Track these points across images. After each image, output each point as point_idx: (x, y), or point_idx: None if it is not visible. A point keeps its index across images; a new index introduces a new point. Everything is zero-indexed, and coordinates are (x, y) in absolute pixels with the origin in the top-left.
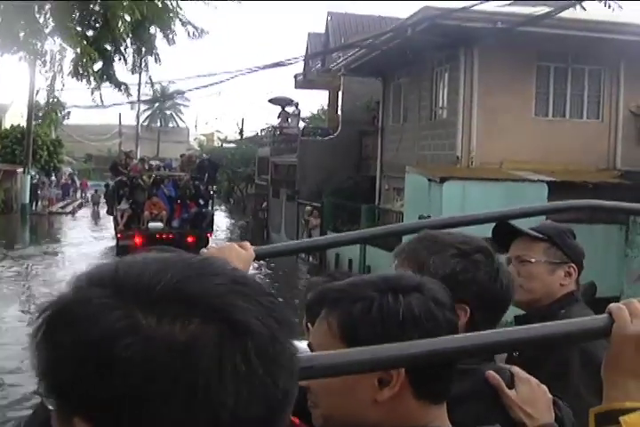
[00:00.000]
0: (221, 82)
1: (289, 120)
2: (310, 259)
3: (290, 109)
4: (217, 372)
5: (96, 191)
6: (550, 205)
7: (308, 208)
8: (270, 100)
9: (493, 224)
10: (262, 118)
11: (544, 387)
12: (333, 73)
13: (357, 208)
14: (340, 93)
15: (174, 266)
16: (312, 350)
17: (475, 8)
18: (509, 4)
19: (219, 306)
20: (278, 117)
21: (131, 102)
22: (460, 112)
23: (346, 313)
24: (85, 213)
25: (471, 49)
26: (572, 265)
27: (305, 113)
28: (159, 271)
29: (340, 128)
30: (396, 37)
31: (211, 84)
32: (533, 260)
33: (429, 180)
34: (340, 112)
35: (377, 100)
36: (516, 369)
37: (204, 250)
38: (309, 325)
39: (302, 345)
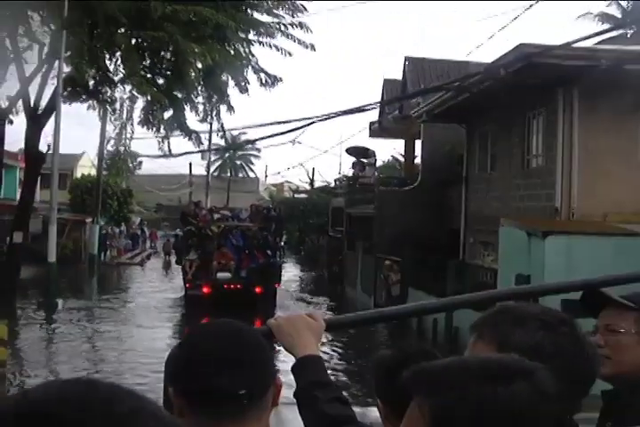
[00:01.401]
0: (296, 129)
1: (365, 169)
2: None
3: (365, 159)
4: None
5: (168, 240)
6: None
7: (388, 262)
8: (347, 150)
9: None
10: (333, 168)
11: None
12: (411, 120)
13: (442, 263)
14: (418, 141)
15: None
16: None
17: (575, 45)
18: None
19: None
20: (353, 167)
21: (201, 151)
22: (558, 159)
23: (439, 403)
24: (155, 263)
25: (570, 90)
26: None
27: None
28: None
29: (420, 178)
30: (486, 79)
31: (285, 132)
32: (623, 330)
33: (529, 233)
34: (419, 161)
35: (460, 149)
36: None
37: (271, 320)
38: (379, 401)
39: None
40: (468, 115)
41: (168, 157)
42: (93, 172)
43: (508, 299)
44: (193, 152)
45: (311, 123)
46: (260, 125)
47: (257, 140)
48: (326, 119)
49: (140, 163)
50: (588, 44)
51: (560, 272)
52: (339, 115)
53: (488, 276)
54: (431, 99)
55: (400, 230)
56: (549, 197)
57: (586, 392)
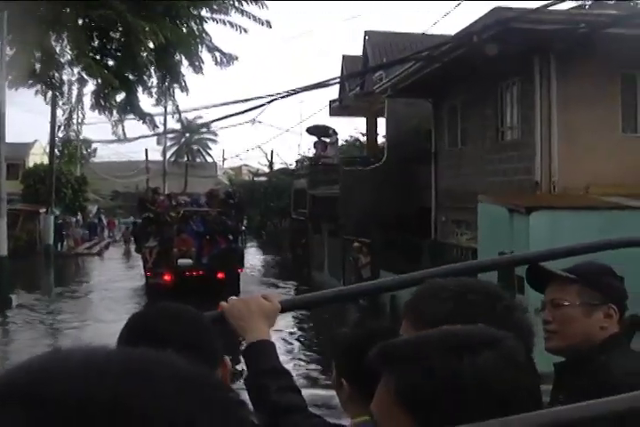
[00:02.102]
0: (256, 108)
1: (327, 149)
2: (361, 300)
3: (326, 139)
4: None
5: (127, 229)
6: (606, 240)
7: (356, 244)
8: (308, 130)
9: None
10: (293, 150)
11: None
12: (374, 97)
13: (414, 244)
14: (380, 119)
15: (107, 372)
16: (372, 417)
17: (552, 8)
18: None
19: (177, 421)
20: (314, 147)
21: (157, 134)
22: (537, 131)
23: (403, 378)
24: (114, 252)
25: (547, 57)
26: (612, 306)
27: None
28: (90, 381)
29: (385, 156)
30: (458, 47)
31: (245, 111)
32: (567, 303)
33: (510, 210)
34: (382, 139)
35: (427, 124)
36: None
37: (223, 303)
38: (343, 380)
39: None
40: (435, 88)
41: (122, 142)
42: (47, 160)
43: (466, 273)
44: (148, 136)
45: (272, 100)
46: (218, 105)
47: (215, 120)
48: (287, 96)
49: (95, 150)
50: (565, 7)
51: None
52: (300, 91)
53: (465, 255)
54: (395, 73)
55: (367, 211)
56: (528, 171)
57: None
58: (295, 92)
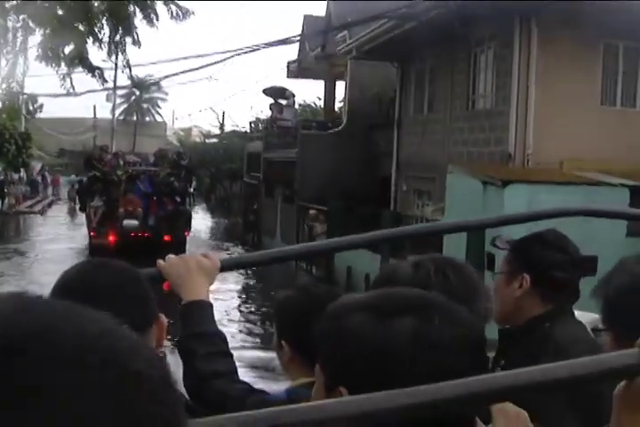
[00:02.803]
0: (214, 64)
1: (283, 112)
2: (314, 271)
3: (283, 101)
4: None
5: (72, 186)
6: (540, 211)
7: (312, 212)
8: (264, 91)
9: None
10: (245, 113)
11: (524, 415)
12: (336, 58)
13: (375, 214)
14: (339, 83)
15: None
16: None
17: None
18: None
19: (106, 355)
20: (270, 109)
21: (106, 89)
22: (513, 100)
23: (321, 335)
24: (58, 211)
25: (529, 22)
26: (525, 275)
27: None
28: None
29: (345, 121)
30: (435, 7)
31: (203, 66)
32: (498, 271)
33: (484, 182)
34: (345, 103)
35: (390, 91)
36: (504, 403)
37: (160, 261)
38: (284, 343)
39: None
40: (402, 51)
41: (70, 96)
42: None
43: (412, 237)
44: (96, 90)
45: (231, 56)
46: (172, 60)
47: (169, 76)
48: (247, 53)
49: (41, 105)
50: None
51: (520, 224)
52: (260, 48)
53: None
54: (360, 34)
55: (324, 178)
56: (499, 142)
57: None
58: (255, 48)
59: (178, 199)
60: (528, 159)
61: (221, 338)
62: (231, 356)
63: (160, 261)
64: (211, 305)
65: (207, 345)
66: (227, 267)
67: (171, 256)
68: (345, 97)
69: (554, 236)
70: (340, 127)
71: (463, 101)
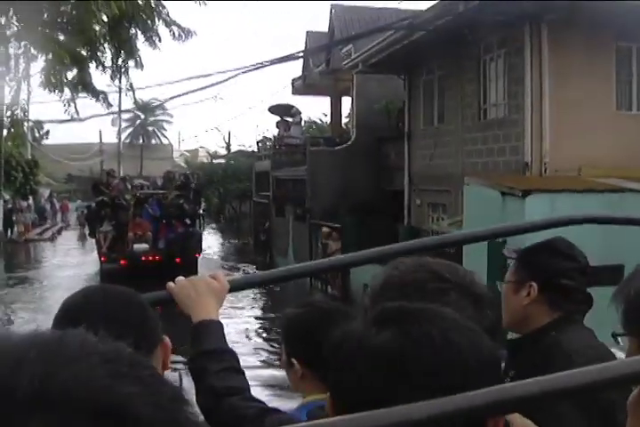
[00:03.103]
0: (218, 83)
1: (290, 129)
2: (329, 289)
3: (289, 118)
4: None
5: (82, 213)
6: (548, 219)
7: (326, 230)
8: (270, 109)
9: None
10: (251, 132)
11: None
12: (341, 73)
13: (390, 229)
14: (350, 96)
15: (27, 357)
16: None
17: None
18: None
19: (103, 401)
20: (277, 127)
21: (111, 113)
22: (527, 108)
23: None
24: (67, 237)
25: (539, 27)
26: (532, 284)
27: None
28: (11, 370)
29: (354, 136)
30: (442, 16)
31: (207, 87)
32: (505, 280)
33: (503, 193)
34: (353, 117)
35: (398, 103)
36: (511, 416)
37: (170, 283)
38: (294, 360)
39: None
40: (409, 63)
41: (75, 122)
42: None
43: (425, 250)
44: (101, 115)
45: (236, 75)
46: (178, 81)
47: (175, 97)
48: (252, 70)
49: (47, 132)
50: None
51: (542, 235)
52: (266, 65)
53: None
54: (366, 48)
55: (335, 194)
56: (514, 151)
57: None
58: (259, 66)
59: (187, 221)
60: (545, 167)
61: (233, 356)
62: (243, 373)
63: (170, 284)
64: (221, 324)
65: (219, 362)
66: (235, 287)
67: (180, 278)
68: (352, 112)
69: (562, 244)
70: (349, 142)
71: (475, 111)
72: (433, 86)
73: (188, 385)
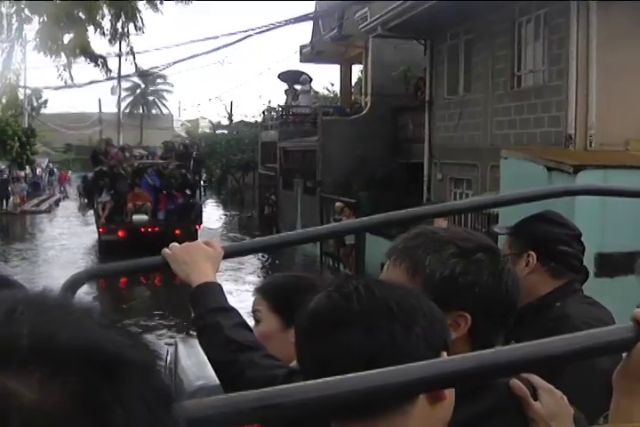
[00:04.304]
0: (227, 45)
1: (299, 98)
2: (342, 267)
3: (298, 86)
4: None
5: (81, 183)
6: (544, 189)
7: (339, 204)
8: (280, 76)
9: None
10: (253, 102)
11: (566, 399)
12: (353, 39)
13: (409, 205)
14: (361, 64)
15: (17, 308)
16: None
17: None
18: None
19: (98, 347)
20: (286, 95)
21: (110, 79)
22: (572, 74)
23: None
24: (66, 209)
25: None
26: (531, 253)
27: None
28: (4, 320)
29: (368, 105)
30: None
31: (215, 50)
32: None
33: (549, 168)
34: (368, 85)
35: (417, 70)
36: (535, 379)
37: (165, 250)
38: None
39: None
40: (432, 27)
41: (72, 88)
42: None
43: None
44: (100, 81)
45: (244, 37)
46: (180, 44)
47: (179, 61)
48: (261, 32)
49: (46, 101)
50: None
51: (593, 216)
52: (275, 26)
53: (477, 219)
54: (385, 9)
55: (348, 167)
56: (555, 122)
57: (505, 325)
58: (267, 28)
59: (188, 192)
60: (591, 140)
61: (239, 313)
62: (252, 329)
63: (165, 250)
64: (221, 286)
65: (231, 318)
66: (230, 253)
67: (174, 244)
68: (365, 79)
69: (553, 214)
70: (363, 112)
71: (507, 79)
72: (458, 52)
73: (184, 353)
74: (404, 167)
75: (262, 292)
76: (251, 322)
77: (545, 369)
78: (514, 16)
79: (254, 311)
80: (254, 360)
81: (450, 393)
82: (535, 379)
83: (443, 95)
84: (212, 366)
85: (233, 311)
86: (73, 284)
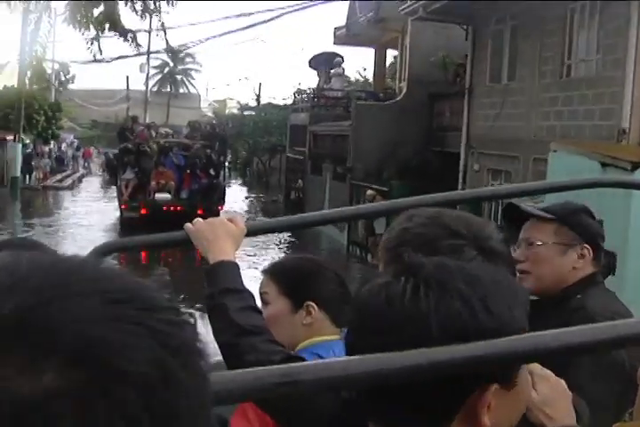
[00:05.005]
0: (259, 23)
1: (332, 81)
2: (369, 258)
3: (331, 69)
4: None
5: (106, 158)
6: (574, 180)
7: (370, 192)
8: (313, 58)
9: None
10: (282, 84)
11: (563, 384)
12: (390, 22)
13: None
14: (397, 49)
15: (23, 282)
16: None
17: None
18: None
19: (81, 344)
20: (318, 77)
21: (139, 54)
22: (629, 64)
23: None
24: (89, 185)
25: None
26: (586, 246)
27: None
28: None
29: (404, 90)
30: None
31: (245, 27)
32: (540, 242)
33: (604, 164)
34: (404, 70)
35: (457, 56)
36: (532, 366)
37: (188, 225)
38: (310, 303)
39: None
40: (476, 11)
41: (100, 62)
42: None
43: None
44: (129, 56)
45: (280, 15)
46: (212, 21)
47: (212, 37)
48: (299, 10)
49: (73, 76)
50: None
51: None
52: (312, 4)
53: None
54: None
55: (381, 153)
56: (608, 115)
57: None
58: (307, 5)
59: (212, 172)
60: None
61: (251, 296)
62: (262, 313)
63: (188, 225)
64: (238, 265)
65: (240, 300)
66: (252, 231)
67: (198, 220)
68: (402, 64)
69: (587, 207)
70: (398, 97)
71: (556, 67)
72: (503, 38)
73: (203, 330)
74: (438, 156)
75: (270, 274)
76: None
77: (556, 360)
78: (566, 2)
79: (262, 294)
80: (254, 345)
81: None
82: (531, 365)
83: (484, 82)
84: (219, 348)
85: (244, 293)
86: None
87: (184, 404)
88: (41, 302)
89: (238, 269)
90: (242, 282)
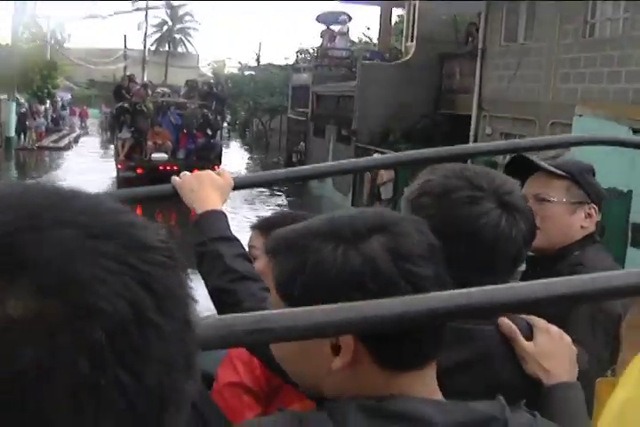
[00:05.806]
0: None
1: (336, 40)
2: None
3: (336, 27)
4: (45, 377)
5: (106, 117)
6: (570, 136)
7: (377, 156)
8: (319, 17)
9: None
10: (282, 43)
11: (568, 339)
12: None
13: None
14: (406, 6)
15: (5, 207)
16: None
17: None
18: None
19: (51, 275)
20: (322, 37)
21: (137, 9)
22: None
23: (280, 269)
24: (86, 145)
25: None
26: (593, 206)
27: None
28: None
29: (413, 49)
30: None
31: None
32: (553, 199)
33: (635, 130)
34: (413, 28)
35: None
36: (534, 319)
37: (175, 177)
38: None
39: None
40: None
41: (96, 18)
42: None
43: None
44: (125, 11)
45: None
46: None
47: None
48: None
49: (69, 35)
50: None
51: None
52: None
53: None
54: None
55: (387, 116)
56: (634, 77)
57: (510, 271)
58: None
59: (209, 132)
60: None
61: (241, 243)
62: (252, 261)
63: (174, 177)
64: (225, 215)
65: (233, 247)
66: (240, 185)
67: (185, 173)
68: (411, 22)
69: (591, 165)
70: (406, 57)
71: (578, 26)
72: None
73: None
74: (447, 119)
75: (259, 228)
76: None
77: (553, 311)
78: None
79: (250, 247)
80: (252, 291)
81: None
82: (533, 319)
83: (499, 42)
84: (210, 295)
85: (235, 241)
86: None
87: (159, 349)
88: (19, 228)
89: (226, 217)
90: (230, 230)
